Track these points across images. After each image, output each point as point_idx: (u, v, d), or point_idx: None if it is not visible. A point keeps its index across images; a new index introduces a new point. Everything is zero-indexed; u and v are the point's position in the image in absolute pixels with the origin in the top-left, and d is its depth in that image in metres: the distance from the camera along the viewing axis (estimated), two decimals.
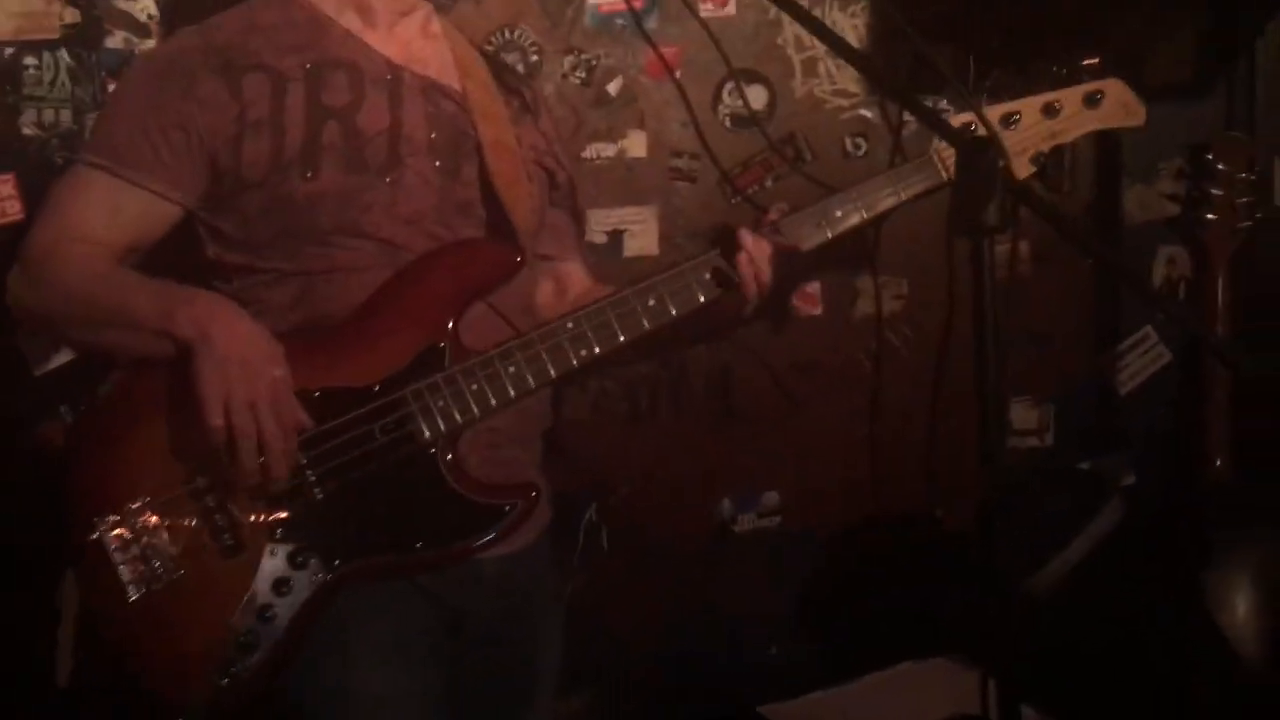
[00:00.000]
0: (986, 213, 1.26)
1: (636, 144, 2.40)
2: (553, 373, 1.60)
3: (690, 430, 2.47)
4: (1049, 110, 1.72)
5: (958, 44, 2.42)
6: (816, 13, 2.42)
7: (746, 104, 2.36)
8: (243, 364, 1.46)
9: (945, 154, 1.69)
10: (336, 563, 1.53)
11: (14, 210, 2.25)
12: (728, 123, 2.42)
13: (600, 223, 2.38)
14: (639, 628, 2.50)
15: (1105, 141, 2.47)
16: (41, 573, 1.63)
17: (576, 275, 1.87)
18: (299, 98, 1.60)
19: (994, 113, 1.72)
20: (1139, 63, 2.39)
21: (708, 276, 1.64)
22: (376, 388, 1.55)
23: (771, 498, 2.52)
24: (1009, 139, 1.71)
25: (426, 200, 1.63)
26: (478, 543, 1.58)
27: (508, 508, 1.59)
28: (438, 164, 1.65)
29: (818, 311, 2.48)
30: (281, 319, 1.58)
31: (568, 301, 1.82)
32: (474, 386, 1.56)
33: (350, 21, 1.67)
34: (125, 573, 1.50)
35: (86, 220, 1.60)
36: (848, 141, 2.45)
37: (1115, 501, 2.41)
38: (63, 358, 2.28)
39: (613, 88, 2.39)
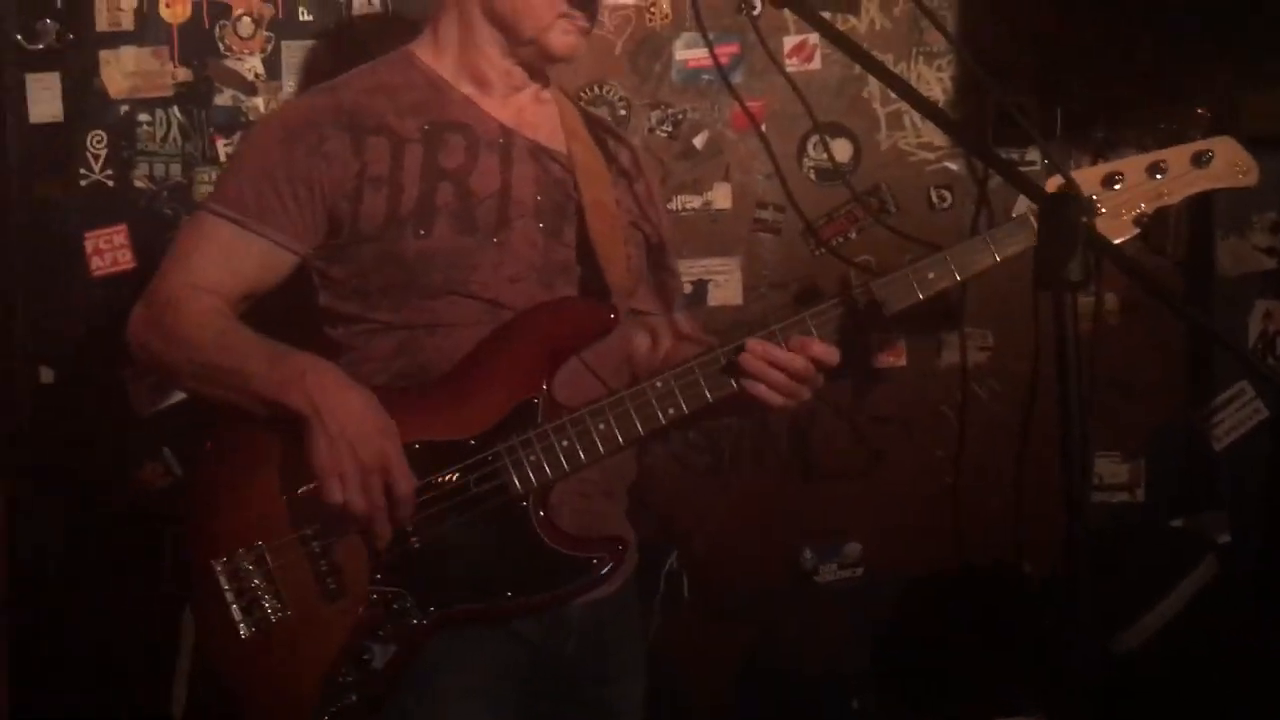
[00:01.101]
0: (1069, 267, 1.27)
1: (722, 196, 2.44)
2: (641, 430, 1.63)
3: (771, 480, 2.48)
4: (1154, 170, 1.69)
5: (1044, 96, 2.41)
6: (902, 66, 2.44)
7: (831, 157, 2.38)
8: (354, 439, 1.53)
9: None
10: (431, 609, 1.58)
11: (125, 259, 2.37)
12: (812, 175, 2.44)
13: (685, 273, 2.40)
14: (718, 677, 2.50)
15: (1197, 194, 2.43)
16: (159, 610, 1.71)
17: (666, 330, 1.90)
18: (416, 158, 1.67)
19: (1095, 172, 1.70)
20: (1232, 115, 2.35)
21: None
22: (472, 441, 1.61)
23: (854, 549, 2.50)
24: (1111, 199, 1.68)
25: (530, 260, 1.68)
26: (566, 593, 1.63)
27: (595, 560, 1.63)
28: (541, 225, 1.70)
29: (901, 363, 2.48)
30: (383, 368, 1.65)
31: (659, 355, 1.86)
32: (565, 443, 1.61)
33: (466, 87, 1.74)
34: (237, 611, 1.59)
35: (209, 267, 1.67)
36: (933, 194, 2.45)
37: (1209, 559, 2.34)
38: (167, 401, 2.38)
39: (699, 141, 2.43)
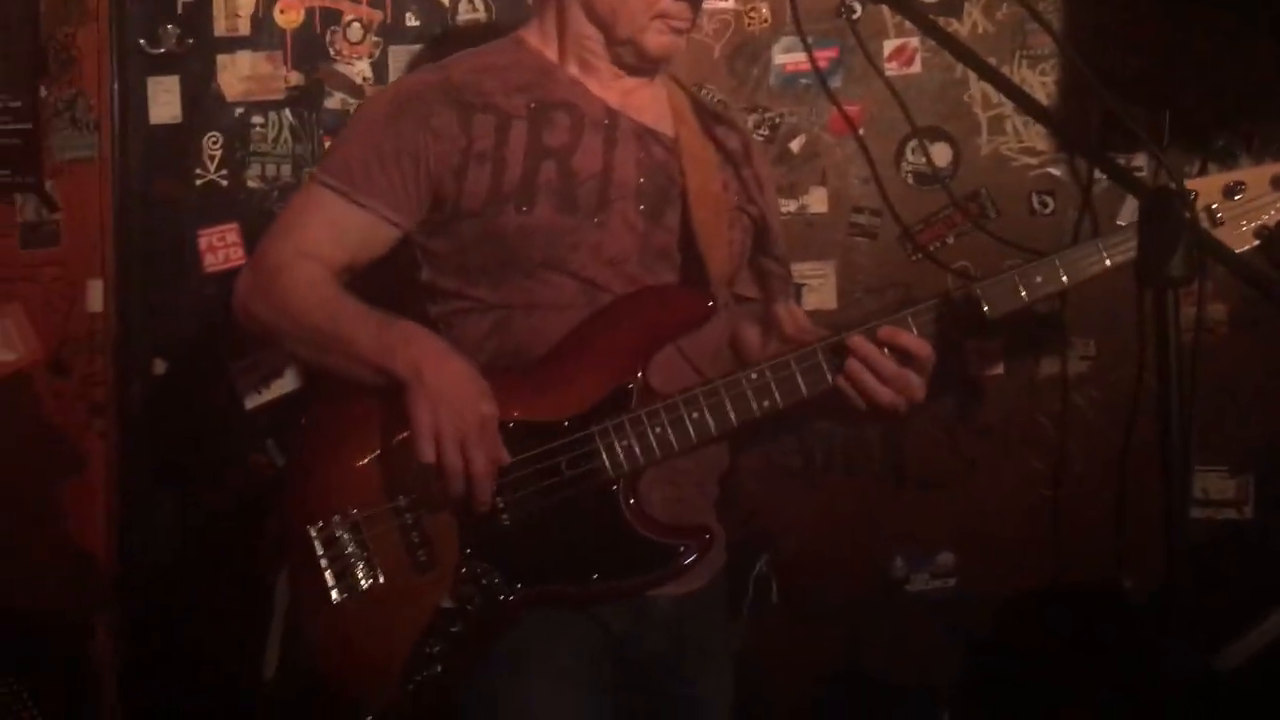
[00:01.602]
0: (1171, 263, 1.24)
1: (818, 200, 2.43)
2: (734, 421, 1.63)
3: (863, 486, 2.45)
4: (1278, 182, 1.64)
5: (1152, 104, 2.36)
6: (1005, 70, 2.40)
7: (930, 161, 2.36)
8: (453, 402, 1.54)
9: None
10: (519, 586, 1.61)
11: (237, 256, 2.46)
12: (910, 179, 2.42)
13: None
14: (805, 683, 2.48)
15: None
16: (258, 576, 1.75)
17: (788, 315, 1.83)
18: (521, 135, 1.68)
19: (1217, 181, 1.66)
20: None
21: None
22: (566, 423, 1.62)
23: (947, 558, 2.47)
24: (1232, 209, 1.64)
25: (629, 243, 1.69)
26: (651, 579, 1.63)
27: (682, 548, 1.63)
28: (643, 208, 1.71)
29: (999, 371, 2.44)
30: (478, 349, 1.67)
31: (769, 350, 1.82)
32: (657, 429, 1.61)
33: (573, 69, 1.76)
34: (330, 577, 1.62)
35: (315, 236, 1.70)
36: (1034, 199, 2.41)
37: None
38: (271, 394, 2.46)
39: (795, 145, 2.43)
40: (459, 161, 1.66)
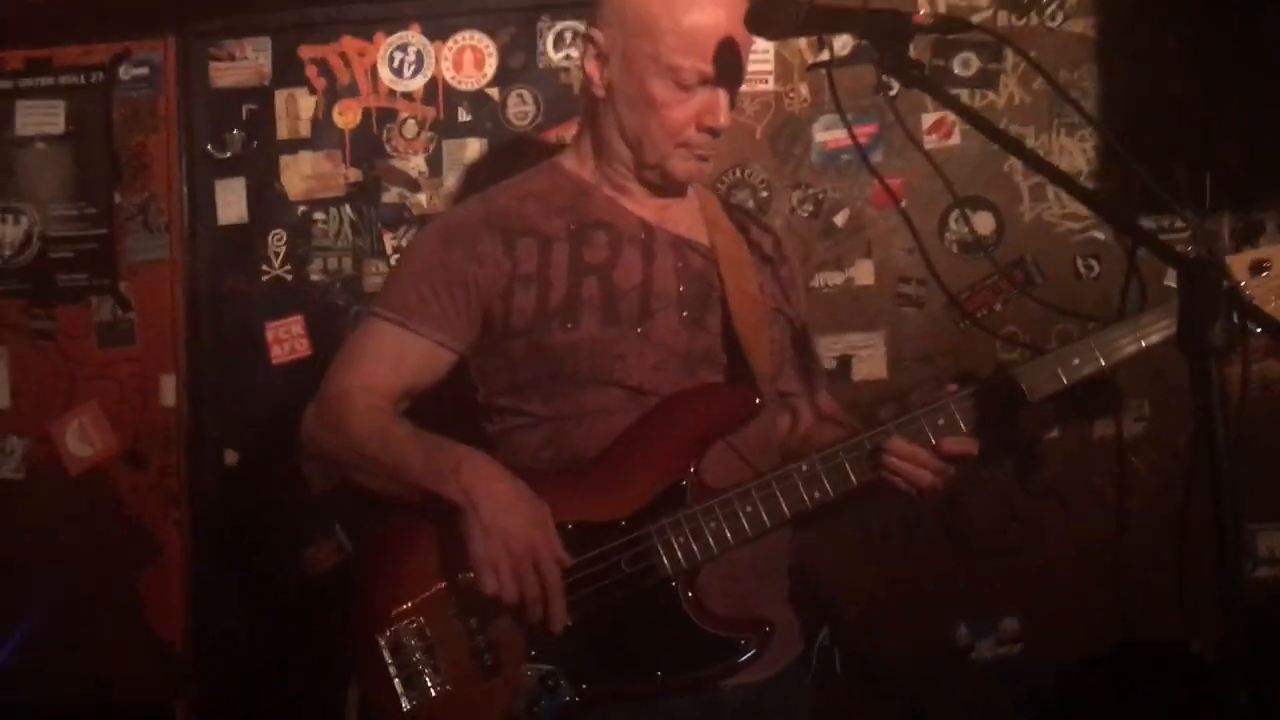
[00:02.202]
0: (1212, 333, 1.27)
1: (864, 272, 2.47)
2: (787, 513, 1.67)
3: (922, 553, 2.46)
4: None
5: (1195, 162, 2.38)
6: (1044, 138, 2.45)
7: (972, 230, 2.40)
8: (508, 532, 1.60)
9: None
10: (584, 686, 1.64)
11: (303, 348, 2.54)
12: (955, 249, 2.46)
13: (829, 349, 2.45)
14: None
15: None
16: (329, 679, 1.79)
17: (807, 410, 1.95)
18: (563, 255, 1.76)
19: (1243, 259, 1.70)
20: None
21: (942, 423, 1.68)
22: (623, 522, 1.67)
23: (1011, 624, 2.46)
24: (1259, 286, 1.67)
25: (674, 349, 1.75)
26: (712, 674, 1.66)
27: (742, 641, 1.66)
28: (685, 314, 1.77)
29: (1054, 434, 2.44)
30: (534, 459, 1.74)
31: (799, 435, 1.91)
32: (713, 525, 1.66)
33: (608, 190, 1.84)
34: (399, 684, 1.67)
35: (373, 367, 1.79)
36: (1079, 263, 2.44)
37: None
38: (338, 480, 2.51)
39: (840, 219, 2.48)
40: (505, 285, 1.75)
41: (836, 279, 2.47)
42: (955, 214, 2.43)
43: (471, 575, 1.62)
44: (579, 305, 1.73)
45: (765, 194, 2.48)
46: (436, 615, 1.68)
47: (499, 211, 1.80)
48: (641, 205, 1.83)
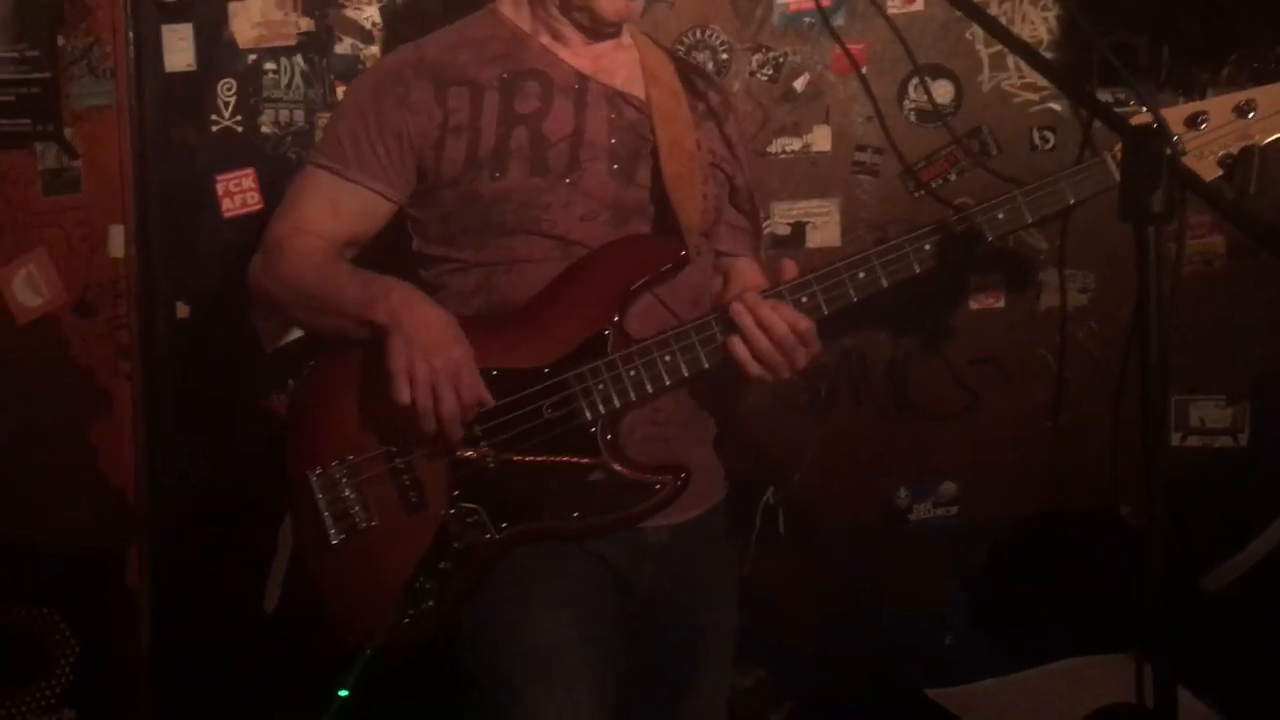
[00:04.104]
0: (1152, 200, 1.29)
1: (821, 138, 2.47)
2: (706, 363, 1.71)
3: (868, 420, 2.51)
4: (1240, 110, 1.69)
5: (1156, 34, 2.38)
6: (1008, 4, 2.42)
7: (931, 99, 2.39)
8: (426, 345, 1.64)
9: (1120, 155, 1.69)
10: (504, 525, 1.70)
11: (254, 201, 2.51)
12: (913, 117, 2.45)
13: (784, 215, 2.46)
14: (812, 612, 2.56)
15: None
16: (268, 515, 1.85)
17: (744, 270, 1.96)
18: (494, 105, 1.76)
19: (1180, 111, 1.71)
20: None
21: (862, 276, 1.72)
22: (546, 369, 1.70)
23: (949, 488, 2.53)
24: (1195, 140, 1.69)
25: (603, 200, 1.76)
26: (627, 515, 1.72)
27: (658, 485, 1.72)
28: (615, 167, 1.77)
29: (1000, 305, 2.48)
30: (465, 304, 1.76)
31: (729, 295, 1.91)
32: (632, 373, 1.70)
33: (545, 38, 1.82)
34: (329, 520, 1.73)
35: (313, 215, 1.81)
36: (1035, 135, 2.44)
37: None
38: (291, 337, 2.52)
39: (799, 84, 2.46)
40: (437, 135, 1.75)
41: (794, 145, 2.46)
42: (915, 81, 2.42)
43: (387, 384, 1.64)
44: (507, 155, 1.73)
45: (725, 56, 2.45)
46: (365, 454, 1.73)
47: (432, 60, 1.79)
48: (578, 55, 1.82)
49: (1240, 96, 1.68)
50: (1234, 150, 1.68)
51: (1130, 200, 1.31)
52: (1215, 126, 1.67)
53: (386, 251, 1.86)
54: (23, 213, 2.52)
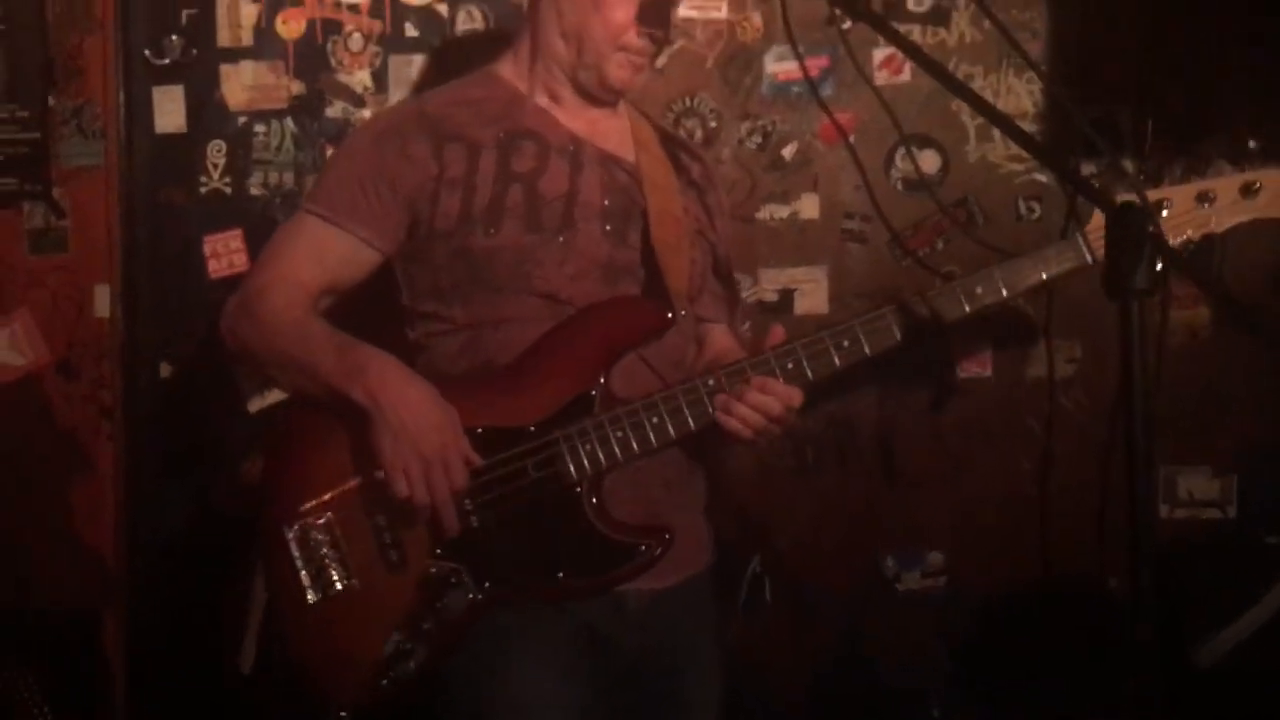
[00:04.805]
0: (1136, 275, 1.29)
1: (809, 206, 2.48)
2: (692, 425, 1.70)
3: (854, 487, 2.50)
4: (1202, 198, 1.72)
5: (1140, 107, 2.41)
6: (992, 78, 2.46)
7: (918, 168, 2.41)
8: (413, 433, 1.62)
9: (1093, 235, 1.72)
10: (486, 584, 1.68)
11: (241, 262, 2.51)
12: (900, 186, 2.47)
13: (772, 281, 2.47)
14: (798, 681, 2.53)
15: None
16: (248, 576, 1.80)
17: (718, 337, 1.98)
18: (490, 162, 1.78)
19: (1148, 197, 1.73)
20: None
21: (846, 345, 1.73)
22: (532, 428, 1.69)
23: (936, 558, 2.52)
24: (1160, 225, 1.70)
25: (594, 259, 1.77)
26: (611, 577, 1.70)
27: (643, 547, 1.70)
28: (608, 227, 1.79)
29: (987, 374, 2.48)
30: (451, 366, 1.77)
31: (704, 359, 1.93)
32: (619, 433, 1.69)
33: (542, 99, 1.86)
34: (305, 578, 1.69)
35: (297, 261, 1.79)
36: (1021, 205, 2.46)
37: None
38: (274, 398, 2.50)
39: (787, 152, 2.48)
40: (432, 188, 1.76)
41: (782, 212, 2.47)
42: (901, 151, 2.44)
43: (382, 474, 1.64)
44: (502, 211, 1.75)
45: (714, 124, 2.47)
46: (344, 510, 1.70)
47: (431, 115, 1.81)
48: (573, 117, 1.85)
49: (1202, 185, 1.72)
50: (1194, 237, 1.72)
51: (1114, 276, 1.32)
52: (1179, 213, 1.70)
53: (369, 305, 1.86)
54: (8, 271, 2.51)
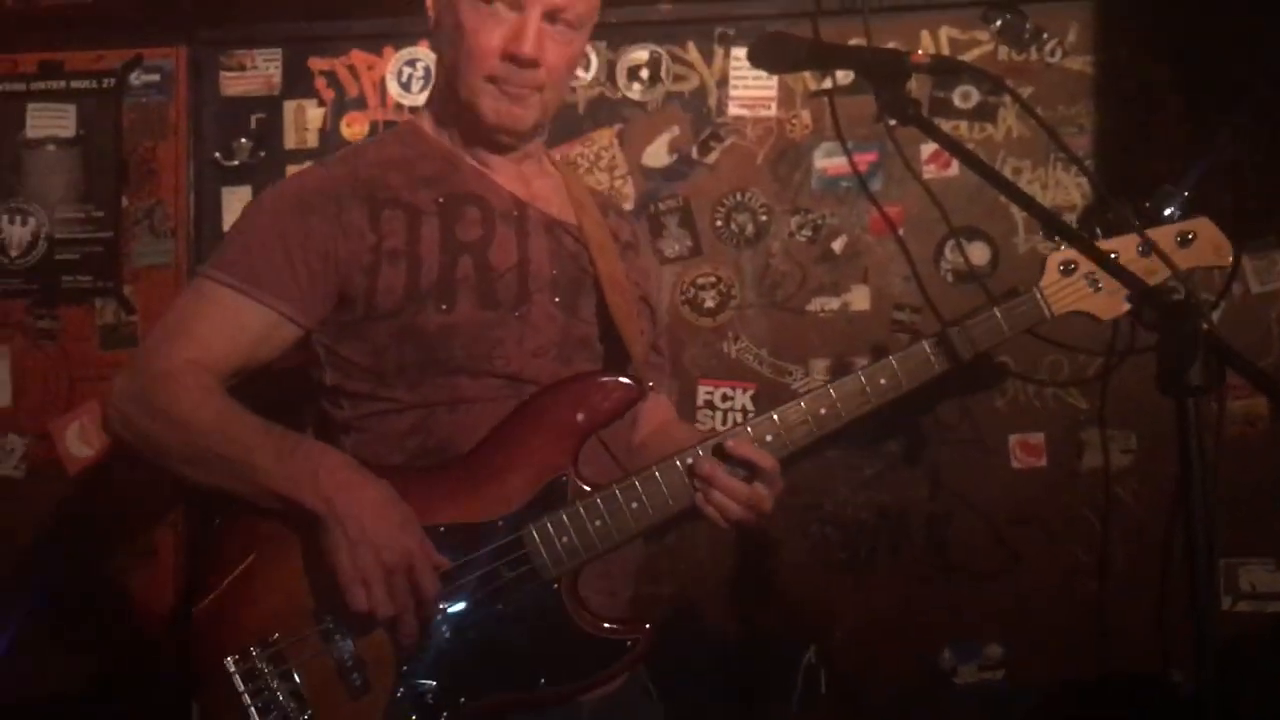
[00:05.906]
0: (1190, 373, 1.30)
1: (860, 298, 2.51)
2: (673, 505, 1.58)
3: (910, 579, 2.49)
4: (1143, 249, 1.76)
5: (1187, 205, 2.42)
6: (1040, 171, 2.49)
7: (967, 260, 2.43)
8: (376, 543, 1.45)
9: (1050, 292, 1.77)
10: (462, 700, 1.51)
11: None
12: (950, 277, 2.49)
13: (823, 372, 2.48)
14: None
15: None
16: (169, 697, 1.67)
17: (658, 407, 1.86)
18: (433, 231, 1.62)
19: (1055, 258, 1.81)
20: None
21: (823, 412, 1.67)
22: (500, 523, 1.54)
23: (995, 650, 2.48)
24: (1054, 286, 1.78)
25: (550, 335, 1.65)
26: (601, 677, 1.57)
27: (629, 643, 1.57)
28: (557, 300, 1.68)
29: (1042, 464, 2.47)
30: (398, 447, 1.60)
31: (644, 431, 1.82)
32: (597, 522, 1.55)
33: (476, 157, 1.72)
34: (254, 714, 1.48)
35: (206, 338, 1.58)
36: None
37: None
38: None
39: (837, 245, 2.51)
40: (370, 260, 1.59)
41: (833, 304, 2.50)
42: (951, 243, 2.47)
43: (338, 587, 1.46)
44: (454, 285, 1.59)
45: (765, 218, 2.51)
46: (296, 632, 1.50)
47: (363, 177, 1.64)
48: (512, 178, 1.72)
49: (1141, 238, 1.77)
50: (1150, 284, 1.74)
51: (1168, 373, 1.32)
52: (1126, 263, 1.68)
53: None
54: (80, 365, 2.59)
